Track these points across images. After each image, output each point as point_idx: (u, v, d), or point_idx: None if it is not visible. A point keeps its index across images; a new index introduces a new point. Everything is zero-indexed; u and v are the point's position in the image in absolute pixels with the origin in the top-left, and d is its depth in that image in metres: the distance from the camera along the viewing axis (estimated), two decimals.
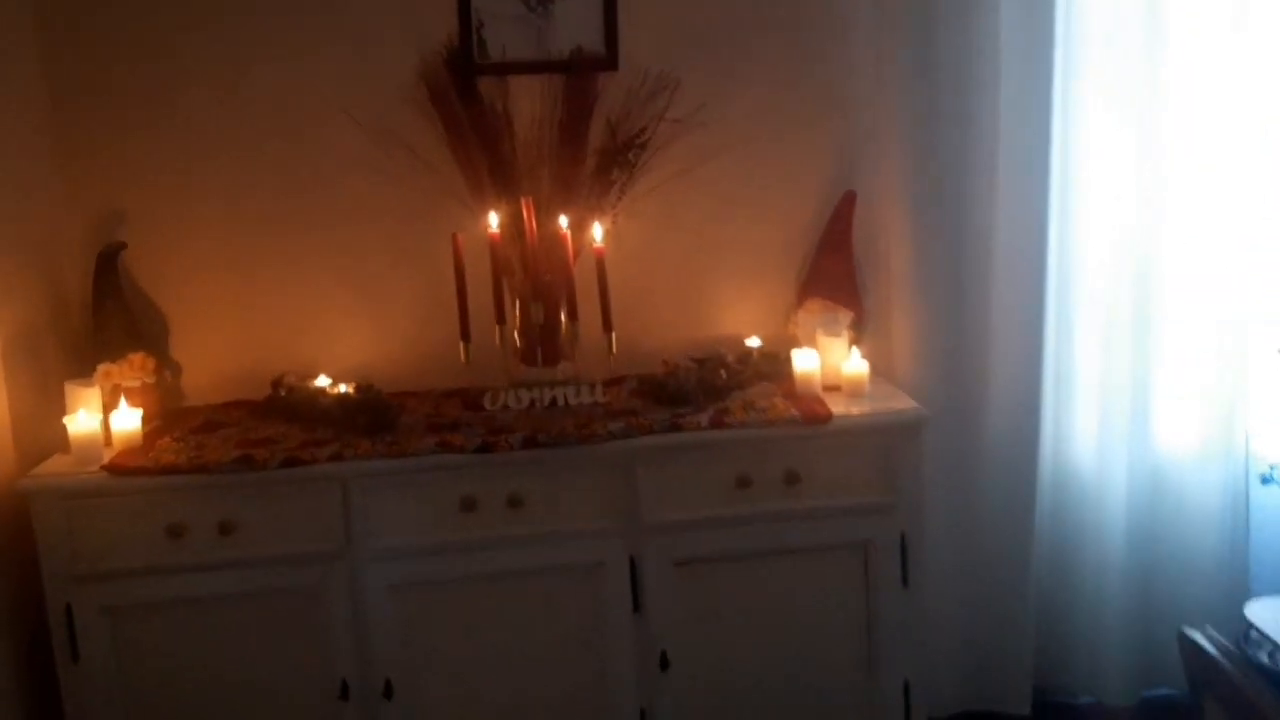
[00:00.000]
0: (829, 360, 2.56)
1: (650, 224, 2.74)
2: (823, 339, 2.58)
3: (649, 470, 2.34)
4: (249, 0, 2.61)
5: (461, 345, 2.40)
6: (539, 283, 2.43)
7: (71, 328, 2.65)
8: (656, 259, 2.78)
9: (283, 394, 2.61)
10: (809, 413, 2.38)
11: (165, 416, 2.63)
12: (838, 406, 2.43)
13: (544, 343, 2.51)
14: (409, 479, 2.31)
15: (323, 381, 2.61)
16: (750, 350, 2.72)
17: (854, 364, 2.53)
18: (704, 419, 2.38)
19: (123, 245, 2.63)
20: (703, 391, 2.52)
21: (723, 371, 2.58)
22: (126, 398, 2.50)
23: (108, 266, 2.59)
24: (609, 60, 2.68)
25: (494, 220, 2.39)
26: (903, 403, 2.48)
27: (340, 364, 2.71)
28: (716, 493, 2.37)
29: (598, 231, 2.40)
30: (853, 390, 2.52)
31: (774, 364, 2.70)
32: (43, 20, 2.57)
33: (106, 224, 2.66)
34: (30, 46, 2.57)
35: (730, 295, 2.84)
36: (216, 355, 2.74)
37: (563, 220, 2.42)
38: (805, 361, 2.52)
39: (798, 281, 2.82)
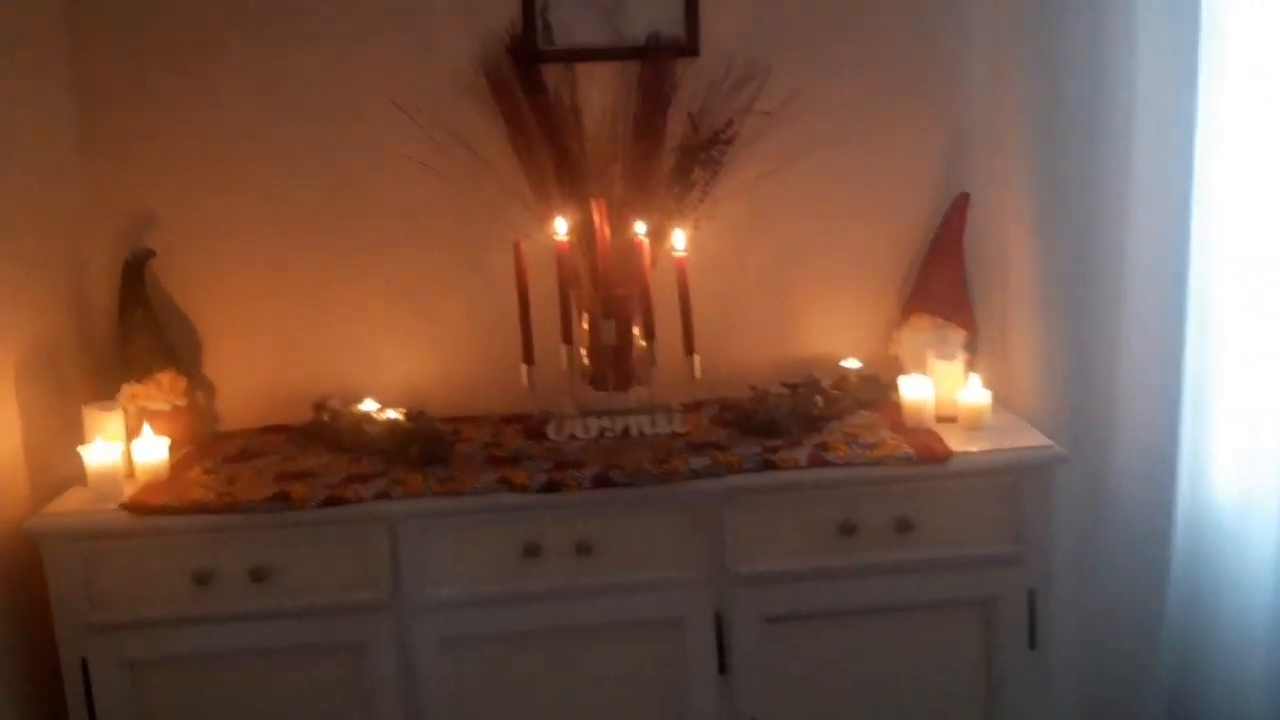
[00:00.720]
0: (942, 387, 2.24)
1: (734, 229, 2.44)
2: (934, 362, 2.26)
3: (737, 513, 2.05)
4: None
5: (524, 368, 2.12)
6: (611, 297, 2.13)
7: (94, 344, 2.40)
8: (740, 268, 2.48)
9: (325, 419, 2.34)
10: (924, 449, 2.07)
11: (197, 443, 2.38)
12: (955, 442, 2.12)
13: (616, 365, 2.22)
14: (465, 521, 2.03)
15: (369, 406, 2.34)
16: (848, 373, 2.41)
17: (973, 393, 2.21)
18: (801, 455, 2.07)
19: (151, 253, 2.38)
20: (797, 422, 2.21)
21: (819, 399, 2.27)
22: (152, 423, 2.25)
23: (134, 276, 2.35)
24: (689, 46, 2.39)
25: (561, 226, 2.09)
26: (1031, 438, 2.16)
27: (388, 386, 2.45)
28: (816, 540, 2.07)
29: (679, 239, 2.10)
30: (971, 423, 2.20)
31: (875, 390, 2.39)
32: (70, 6, 2.32)
33: (134, 229, 2.41)
34: (56, 36, 2.33)
35: (824, 310, 2.53)
36: (254, 374, 2.48)
37: (639, 226, 2.12)
38: (916, 389, 2.21)
39: (901, 295, 2.50)
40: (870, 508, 2.06)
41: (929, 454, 2.06)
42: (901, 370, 2.45)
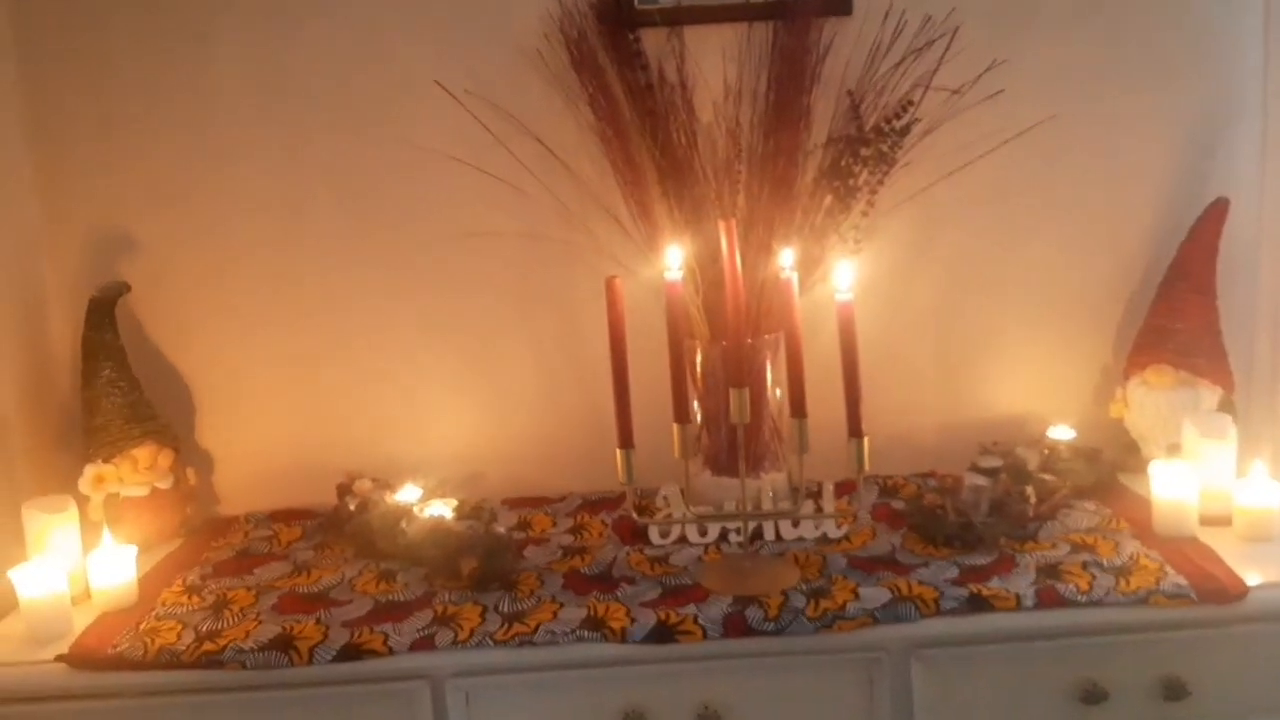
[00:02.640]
0: (1207, 476, 1.58)
1: (895, 249, 1.81)
2: (1196, 440, 1.60)
3: (930, 673, 1.42)
4: None
5: (620, 455, 1.50)
6: (742, 357, 1.50)
7: (50, 409, 1.83)
8: (902, 301, 1.84)
9: (352, 509, 1.75)
10: (1205, 581, 1.42)
11: (188, 536, 1.81)
12: (1237, 562, 1.46)
13: (747, 442, 1.59)
14: (539, 680, 1.43)
15: (410, 495, 1.74)
16: (1058, 447, 1.76)
17: (1258, 488, 1.55)
18: (1023, 586, 1.44)
19: (125, 287, 1.81)
20: (1003, 525, 1.57)
21: (1030, 491, 1.62)
22: (126, 514, 1.74)
23: (103, 318, 1.79)
24: (839, 1, 1.74)
25: (674, 259, 1.46)
26: None
27: (434, 457, 1.86)
28: (1046, 711, 1.44)
29: (844, 274, 1.45)
30: (1254, 532, 1.55)
31: (1097, 470, 1.74)
32: None
33: (103, 257, 1.84)
34: None
35: (1016, 357, 1.89)
36: (262, 443, 1.91)
37: (784, 257, 1.48)
38: (1173, 481, 1.55)
39: (1123, 336, 1.86)
40: (1126, 665, 1.42)
41: (1214, 588, 1.41)
42: (1126, 439, 1.80)
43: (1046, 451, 1.75)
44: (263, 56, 1.78)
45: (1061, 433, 1.79)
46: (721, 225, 1.47)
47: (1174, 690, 1.41)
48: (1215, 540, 1.53)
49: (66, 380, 1.85)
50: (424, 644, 1.42)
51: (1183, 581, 1.42)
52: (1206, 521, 1.57)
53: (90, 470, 1.74)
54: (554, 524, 1.78)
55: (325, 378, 1.89)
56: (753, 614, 1.42)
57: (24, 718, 1.42)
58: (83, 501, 1.69)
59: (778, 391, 1.74)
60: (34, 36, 1.77)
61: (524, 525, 1.77)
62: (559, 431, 1.89)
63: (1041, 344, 1.87)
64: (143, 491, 1.76)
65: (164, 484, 1.78)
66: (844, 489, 1.75)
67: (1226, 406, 1.73)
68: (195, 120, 1.80)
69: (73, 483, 1.72)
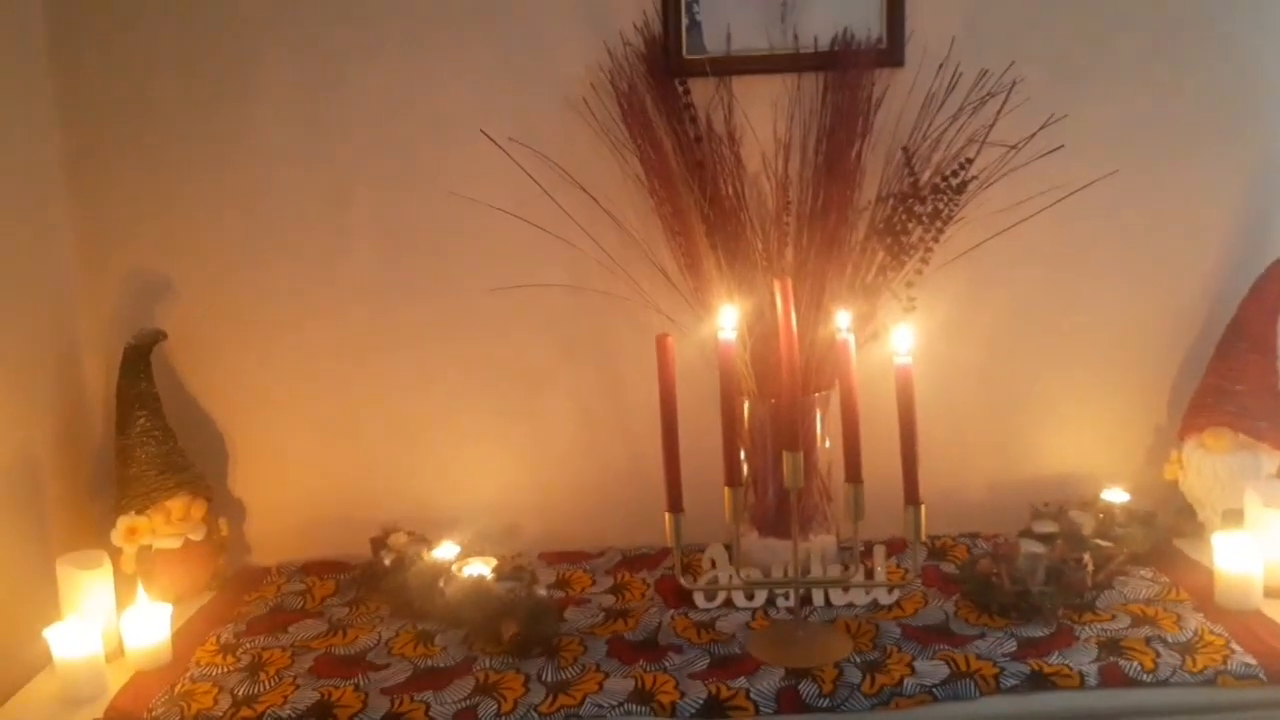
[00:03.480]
0: (1270, 546, 1.53)
1: (947, 305, 1.77)
2: (1258, 510, 1.55)
3: None
4: None
5: (668, 519, 1.46)
6: (796, 419, 1.46)
7: (83, 460, 1.80)
8: (951, 358, 1.80)
9: (387, 564, 1.71)
10: (1273, 661, 1.37)
11: (220, 588, 1.77)
12: None
13: (797, 504, 1.55)
14: None
15: (448, 552, 1.70)
16: (1113, 510, 1.71)
17: None
18: (1084, 663, 1.39)
19: (161, 335, 1.78)
20: (1060, 594, 1.52)
21: (1088, 558, 1.57)
22: (157, 566, 1.71)
23: (138, 366, 1.76)
24: (892, 53, 1.71)
25: (728, 320, 1.42)
26: None
27: (471, 512, 1.82)
28: None
29: (902, 340, 1.41)
30: None
31: (1153, 534, 1.69)
32: (55, 19, 1.74)
33: (139, 304, 1.81)
34: (38, 51, 1.73)
35: (1067, 416, 1.84)
36: (296, 494, 1.88)
37: (841, 318, 1.45)
38: (1236, 554, 1.50)
39: (1179, 397, 1.82)
40: None
41: None
42: (1181, 503, 1.75)
43: (1101, 515, 1.70)
44: (305, 104, 1.75)
45: (1116, 495, 1.74)
46: (776, 284, 1.43)
47: None
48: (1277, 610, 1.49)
49: (100, 429, 1.83)
50: (467, 716, 1.38)
51: (1251, 660, 1.37)
52: (1271, 594, 1.52)
53: (123, 522, 1.70)
54: (593, 582, 1.74)
55: (361, 427, 1.86)
56: (806, 689, 1.38)
57: None
58: (115, 553, 1.66)
59: (828, 442, 1.70)
60: (75, 83, 1.75)
61: (563, 583, 1.73)
62: (598, 484, 1.86)
63: (1094, 403, 1.83)
64: (175, 544, 1.73)
65: (196, 535, 1.75)
66: (892, 549, 1.70)
67: None
68: (235, 168, 1.78)
69: (105, 533, 1.69)
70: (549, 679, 1.44)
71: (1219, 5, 1.71)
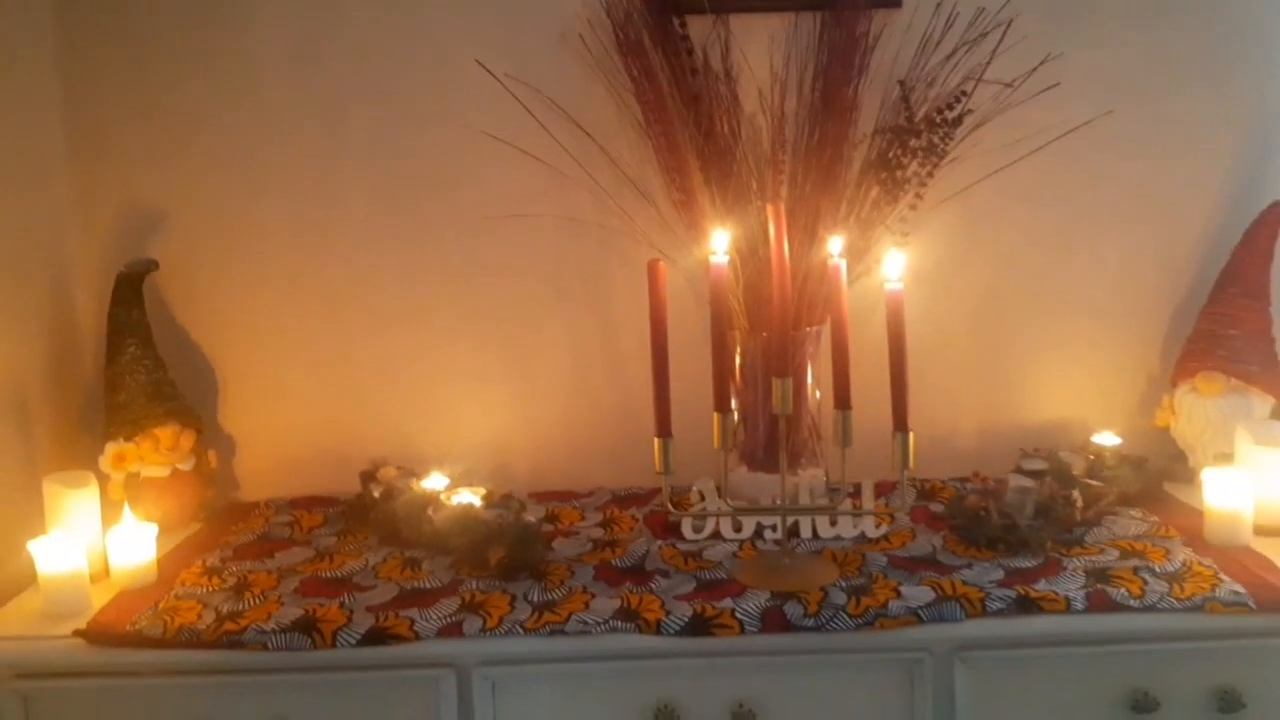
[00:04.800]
0: (1260, 485, 1.53)
1: (940, 246, 1.76)
2: (1250, 448, 1.55)
3: (975, 677, 1.37)
4: None
5: (657, 444, 1.45)
6: (786, 346, 1.46)
7: (73, 386, 1.80)
8: (945, 301, 1.80)
9: (376, 496, 1.70)
10: (1264, 591, 1.37)
11: (207, 520, 1.76)
12: None
13: (788, 436, 1.55)
14: (570, 671, 1.38)
15: (437, 483, 1.69)
16: (1104, 453, 1.71)
17: None
18: (1073, 589, 1.39)
19: (153, 264, 1.77)
20: (1048, 528, 1.52)
21: (1077, 494, 1.57)
22: (147, 494, 1.68)
23: (130, 295, 1.75)
24: None
25: (721, 242, 1.42)
26: None
27: (460, 451, 1.81)
28: (1094, 718, 1.37)
29: (894, 264, 1.41)
30: None
31: (1143, 478, 1.69)
32: None
33: (131, 233, 1.81)
34: None
35: (1059, 361, 1.85)
36: (285, 428, 1.87)
37: (833, 244, 1.44)
38: (1226, 490, 1.50)
39: (1170, 343, 1.82)
40: (1178, 674, 1.37)
41: (1272, 597, 1.36)
42: (1173, 449, 1.75)
43: (1092, 457, 1.70)
44: (301, 34, 1.75)
45: (1107, 439, 1.74)
46: (770, 209, 1.43)
47: (1229, 701, 1.36)
48: (1270, 550, 1.49)
49: (89, 357, 1.82)
50: (452, 630, 1.38)
51: (1240, 589, 1.37)
52: (1261, 532, 1.53)
53: (111, 448, 1.70)
54: (583, 517, 1.74)
55: (351, 363, 1.86)
56: (792, 610, 1.37)
57: (41, 693, 1.38)
58: (103, 480, 1.65)
59: (818, 394, 1.70)
60: (73, 14, 1.75)
61: (552, 518, 1.73)
62: (588, 424, 1.86)
63: (1086, 350, 1.83)
64: (163, 472, 1.72)
65: (185, 465, 1.74)
66: (881, 490, 1.70)
67: (1279, 415, 1.68)
68: (230, 100, 1.78)
69: (93, 461, 1.69)
70: (535, 599, 1.44)
71: None
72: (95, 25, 1.76)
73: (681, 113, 1.69)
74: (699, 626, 1.36)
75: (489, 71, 1.71)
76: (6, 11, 1.66)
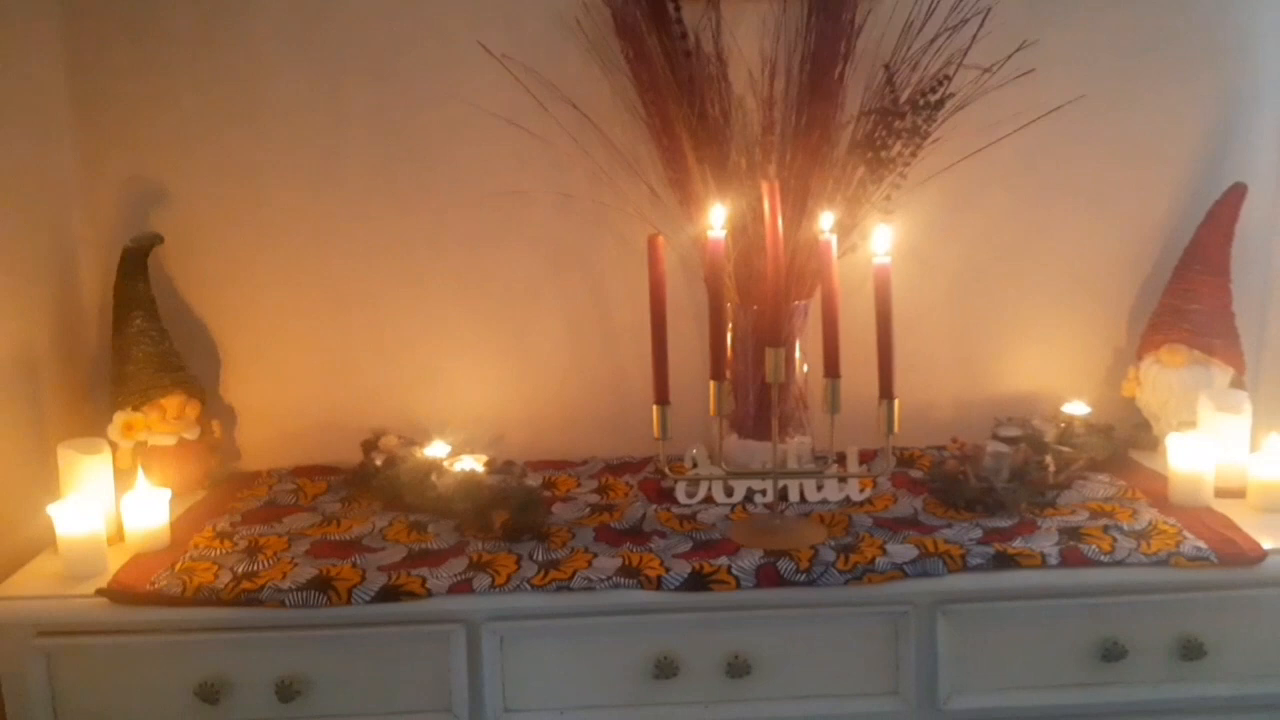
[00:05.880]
0: (1221, 449, 1.63)
1: (920, 225, 1.84)
2: (1212, 414, 1.65)
3: (955, 628, 1.46)
4: None
5: (656, 411, 1.52)
6: (779, 317, 1.53)
7: (81, 357, 1.85)
8: (925, 276, 1.88)
9: (378, 464, 1.76)
10: (1225, 546, 1.46)
11: (211, 487, 1.82)
12: (1256, 530, 1.51)
13: (778, 406, 1.62)
14: (574, 626, 1.46)
15: (438, 451, 1.76)
16: (1074, 421, 1.80)
17: (1272, 463, 1.60)
18: (1047, 546, 1.48)
19: (158, 238, 1.82)
20: (1022, 491, 1.61)
21: (1049, 459, 1.66)
22: (153, 462, 1.72)
23: (135, 269, 1.79)
24: None
25: (718, 217, 1.50)
26: None
27: (462, 420, 1.87)
28: (1066, 667, 1.48)
29: (881, 238, 1.49)
30: (1266, 502, 1.60)
31: (1110, 445, 1.79)
32: None
33: (137, 208, 1.85)
34: None
35: (1034, 334, 1.93)
36: (287, 399, 1.92)
37: (825, 219, 1.52)
38: (1190, 455, 1.60)
39: (1137, 317, 1.91)
40: (1144, 625, 1.47)
41: (1233, 552, 1.45)
42: (1138, 418, 1.85)
43: (1063, 425, 1.79)
44: (303, 15, 1.79)
45: (1077, 408, 1.83)
46: (764, 186, 1.51)
47: (1191, 650, 1.46)
48: (1230, 511, 1.58)
49: (96, 329, 1.86)
50: (462, 587, 1.44)
51: (1202, 545, 1.46)
52: (1221, 493, 1.62)
53: (120, 417, 1.74)
54: (579, 484, 1.80)
55: (351, 336, 1.91)
56: (785, 566, 1.45)
57: (63, 650, 1.43)
58: (111, 448, 1.70)
59: (805, 366, 1.78)
60: None
61: (549, 485, 1.79)
62: (583, 395, 1.92)
63: (1058, 324, 1.92)
64: (170, 441, 1.77)
65: (190, 435, 1.79)
66: (864, 457, 1.78)
67: (1238, 385, 1.78)
68: (233, 77, 1.81)
69: (101, 429, 1.73)
70: (540, 559, 1.51)
71: None
72: (100, 22, 1.78)
73: (675, 94, 1.75)
74: (697, 582, 1.44)
75: (489, 51, 1.77)
76: None
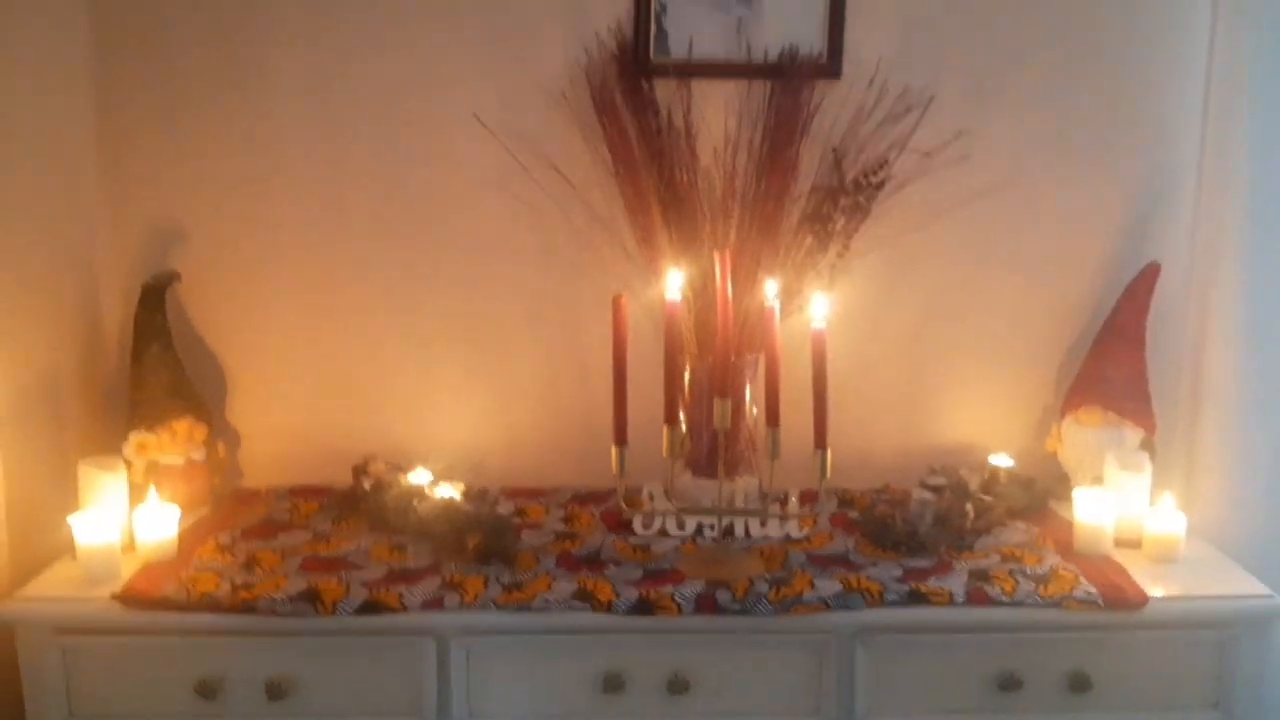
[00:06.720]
0: (1123, 504, 1.81)
1: (867, 288, 2.03)
2: (1116, 472, 1.83)
3: (873, 655, 1.64)
4: None
5: (615, 451, 1.71)
6: (728, 372, 1.72)
7: (100, 383, 2.03)
8: (871, 335, 2.07)
9: (367, 488, 1.95)
10: (1112, 591, 1.65)
11: (213, 502, 1.99)
12: (1142, 577, 1.69)
13: (725, 448, 1.81)
14: (533, 642, 1.64)
15: (421, 478, 1.94)
16: (998, 472, 1.98)
17: (1165, 517, 1.78)
18: (956, 586, 1.66)
19: (175, 276, 2.00)
20: (944, 536, 1.79)
21: (969, 507, 1.84)
22: (162, 479, 1.90)
23: (154, 303, 1.97)
24: (830, 66, 1.98)
25: (675, 282, 1.69)
26: (1239, 581, 1.73)
27: (444, 447, 2.07)
28: (969, 694, 1.66)
29: (819, 306, 1.68)
30: (1159, 554, 1.78)
31: (1031, 496, 1.97)
32: None
33: (156, 248, 2.04)
34: (75, 23, 1.96)
35: (968, 392, 2.12)
36: (285, 424, 2.11)
37: (769, 287, 1.71)
38: (1093, 508, 1.78)
39: (1062, 380, 2.09)
40: (1039, 658, 1.65)
41: (1119, 597, 1.64)
42: (1059, 471, 2.03)
43: (987, 475, 1.97)
44: (316, 76, 1.98)
45: (1001, 460, 2.02)
46: (717, 256, 1.70)
47: (1079, 683, 1.64)
48: (1126, 560, 1.76)
49: (114, 357, 2.05)
50: (435, 604, 1.62)
51: (1093, 590, 1.65)
52: (1120, 544, 1.80)
53: (134, 437, 1.92)
54: (547, 513, 1.98)
55: (347, 369, 2.09)
56: (722, 596, 1.63)
57: (79, 647, 1.62)
58: (125, 465, 1.88)
59: (754, 410, 1.96)
60: (109, 44, 1.97)
61: (520, 512, 1.97)
62: (555, 429, 2.10)
63: (991, 382, 2.10)
64: (179, 460, 1.95)
65: (198, 455, 1.97)
66: (806, 498, 1.96)
67: (1147, 446, 1.96)
68: (249, 134, 2.00)
69: (116, 448, 1.91)
70: (506, 581, 1.69)
71: (1110, 41, 1.98)
72: (129, 67, 1.97)
73: (647, 163, 1.94)
74: (644, 607, 1.62)
75: (482, 122, 1.96)
76: (47, 48, 1.87)
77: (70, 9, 1.93)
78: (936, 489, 1.89)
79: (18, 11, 1.77)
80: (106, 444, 1.96)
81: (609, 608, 1.62)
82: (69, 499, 1.76)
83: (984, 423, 2.11)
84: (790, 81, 1.94)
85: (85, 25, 1.96)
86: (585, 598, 1.63)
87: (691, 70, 1.97)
